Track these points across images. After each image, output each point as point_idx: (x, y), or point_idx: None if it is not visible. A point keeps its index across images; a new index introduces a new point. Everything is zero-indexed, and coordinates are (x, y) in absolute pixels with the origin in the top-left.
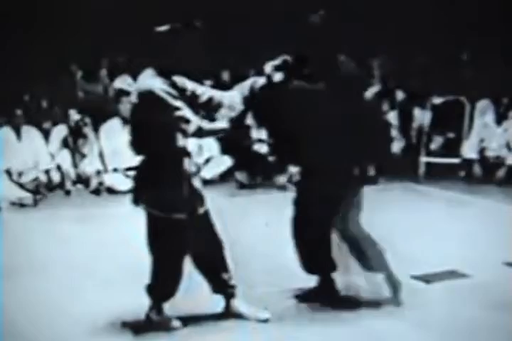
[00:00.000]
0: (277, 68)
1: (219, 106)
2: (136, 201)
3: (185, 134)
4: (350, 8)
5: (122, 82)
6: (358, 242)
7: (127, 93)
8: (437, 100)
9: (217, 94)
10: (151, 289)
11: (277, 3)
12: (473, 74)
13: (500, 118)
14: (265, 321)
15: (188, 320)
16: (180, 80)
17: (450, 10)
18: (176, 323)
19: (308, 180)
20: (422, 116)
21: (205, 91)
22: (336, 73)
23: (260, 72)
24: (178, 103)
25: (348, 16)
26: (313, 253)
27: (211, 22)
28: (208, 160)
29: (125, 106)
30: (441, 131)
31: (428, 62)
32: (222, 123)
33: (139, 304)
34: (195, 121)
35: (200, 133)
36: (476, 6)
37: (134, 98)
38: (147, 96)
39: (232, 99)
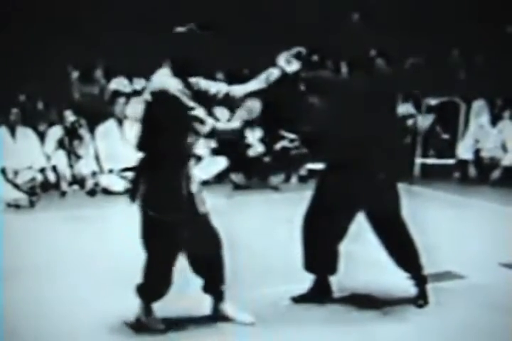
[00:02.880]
0: (291, 59)
1: (233, 100)
2: (133, 197)
3: (198, 134)
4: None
5: (118, 83)
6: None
7: (123, 94)
8: (433, 101)
9: (232, 89)
10: (140, 289)
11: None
12: (468, 75)
13: (495, 119)
14: (251, 325)
15: (184, 322)
16: (195, 81)
17: (445, 10)
18: (160, 326)
19: (330, 175)
20: (417, 117)
21: (220, 88)
22: (366, 69)
23: (253, 72)
24: (192, 103)
25: (343, 16)
26: (319, 252)
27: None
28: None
29: (120, 108)
30: (437, 132)
31: (423, 63)
32: (234, 124)
33: (138, 304)
34: (210, 122)
35: (213, 133)
36: (471, 7)
37: (147, 96)
38: (162, 96)
39: (247, 90)
